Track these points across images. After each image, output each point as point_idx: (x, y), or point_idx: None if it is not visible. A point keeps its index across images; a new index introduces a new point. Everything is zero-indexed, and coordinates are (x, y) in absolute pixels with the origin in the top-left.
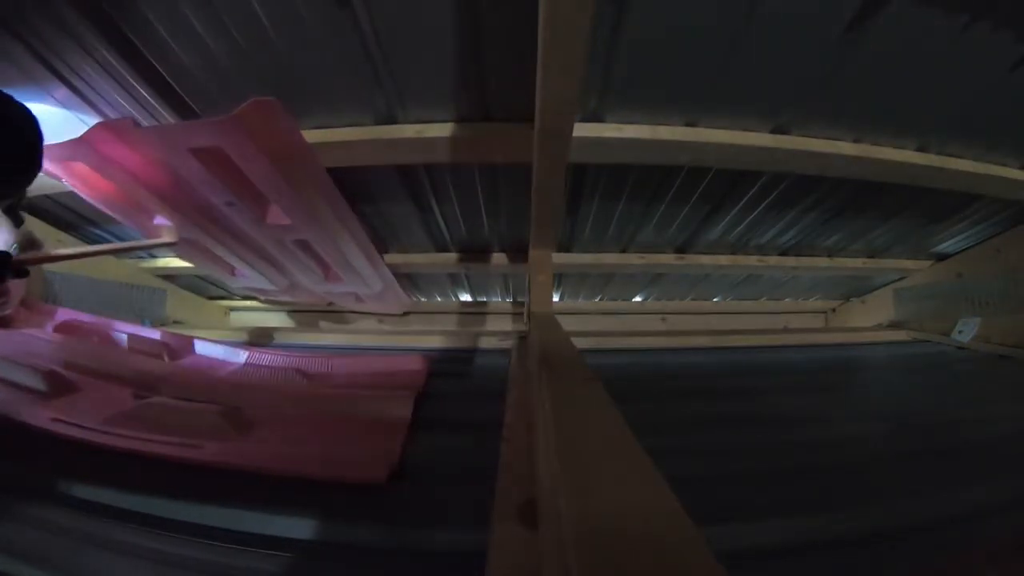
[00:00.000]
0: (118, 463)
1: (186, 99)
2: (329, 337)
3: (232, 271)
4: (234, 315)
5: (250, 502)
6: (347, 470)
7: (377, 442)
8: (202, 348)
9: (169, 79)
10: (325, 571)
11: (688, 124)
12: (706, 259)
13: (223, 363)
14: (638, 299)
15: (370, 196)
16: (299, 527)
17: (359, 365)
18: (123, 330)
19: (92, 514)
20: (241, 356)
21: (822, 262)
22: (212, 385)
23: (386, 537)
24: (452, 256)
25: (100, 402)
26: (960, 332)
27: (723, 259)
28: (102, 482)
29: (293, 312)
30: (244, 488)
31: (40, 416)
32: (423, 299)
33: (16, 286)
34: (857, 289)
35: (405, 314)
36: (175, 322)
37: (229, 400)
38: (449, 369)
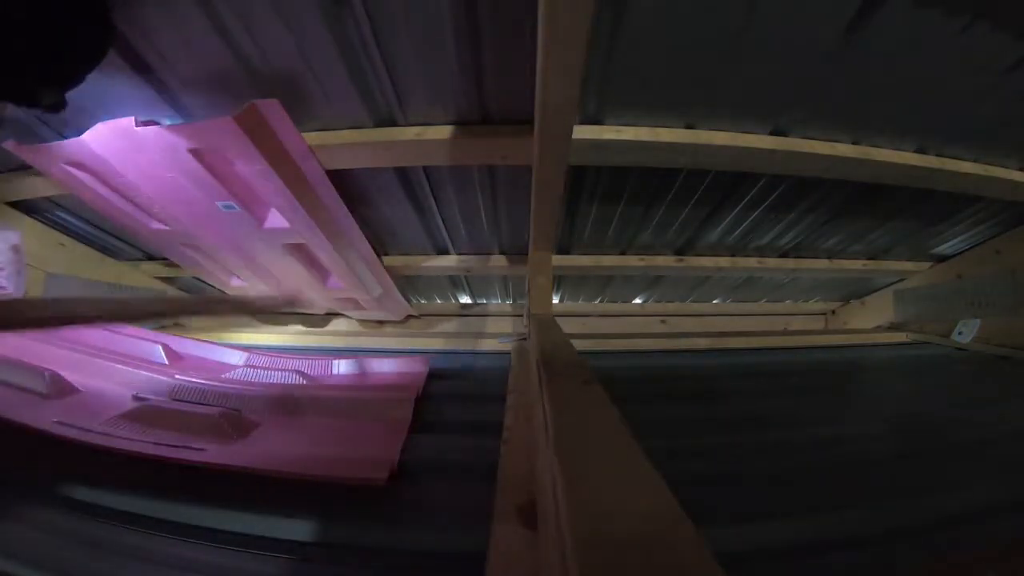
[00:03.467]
0: (119, 465)
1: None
2: (329, 339)
3: (230, 278)
4: (233, 318)
5: (251, 504)
6: (348, 471)
7: (377, 444)
8: (201, 350)
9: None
10: (325, 572)
11: (688, 126)
12: (706, 261)
13: (222, 365)
14: (638, 301)
15: (370, 199)
16: (300, 528)
17: (360, 367)
18: (124, 332)
19: (93, 516)
20: (240, 358)
21: (822, 264)
22: (212, 387)
23: (386, 538)
24: (452, 258)
25: (100, 404)
26: (960, 333)
27: (723, 261)
28: (103, 484)
29: (292, 315)
30: (245, 490)
31: (42, 418)
32: (423, 301)
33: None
34: (857, 291)
35: (406, 318)
36: (174, 324)
37: (229, 402)
38: (449, 371)
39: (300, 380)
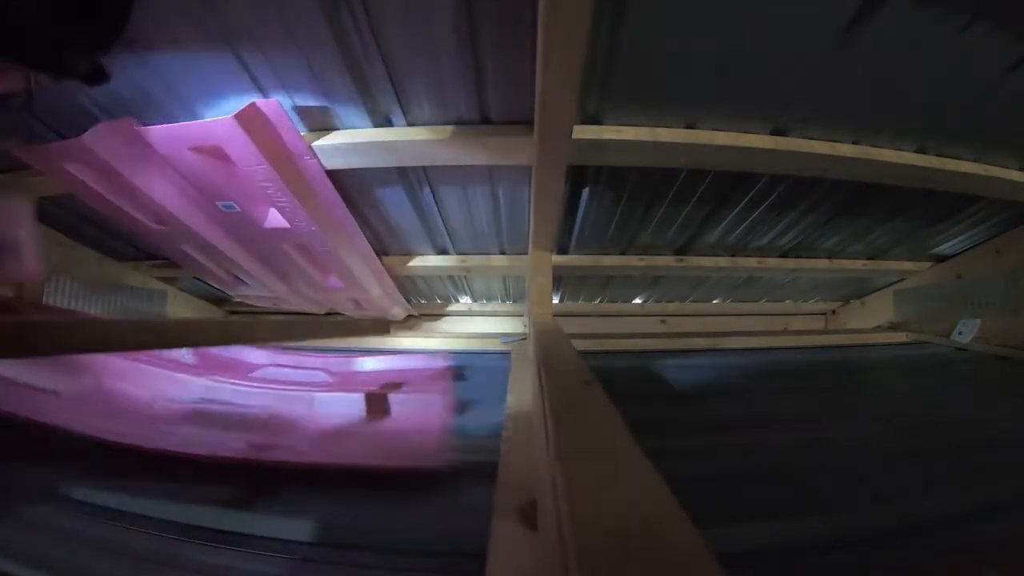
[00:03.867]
0: (142, 466)
1: None
2: (333, 339)
3: (231, 278)
4: (234, 318)
5: (261, 506)
6: (402, 460)
7: (426, 434)
8: (227, 350)
9: None
10: (330, 573)
11: (688, 126)
12: (706, 261)
13: (249, 364)
14: (638, 301)
15: (370, 199)
16: (297, 528)
17: (383, 364)
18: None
19: (104, 517)
20: (265, 357)
21: (822, 264)
22: (241, 386)
23: (384, 538)
24: (452, 259)
25: (126, 404)
26: (960, 333)
27: (723, 261)
28: (123, 486)
29: (287, 314)
30: (257, 492)
31: (60, 416)
32: (423, 301)
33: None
34: (857, 291)
35: (406, 318)
36: None
37: (259, 400)
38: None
39: (327, 378)
